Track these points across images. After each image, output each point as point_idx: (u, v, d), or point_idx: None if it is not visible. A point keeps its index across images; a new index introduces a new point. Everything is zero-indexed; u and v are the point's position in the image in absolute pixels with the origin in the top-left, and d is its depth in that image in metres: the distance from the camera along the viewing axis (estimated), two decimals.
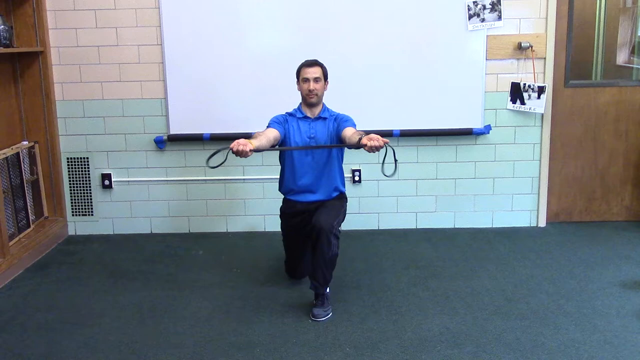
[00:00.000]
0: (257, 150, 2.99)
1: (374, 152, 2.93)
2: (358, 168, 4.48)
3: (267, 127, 3.34)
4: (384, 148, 2.93)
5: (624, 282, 3.57)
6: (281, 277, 3.68)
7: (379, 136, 2.89)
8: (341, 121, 3.34)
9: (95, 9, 4.27)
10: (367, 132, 3.02)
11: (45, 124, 4.34)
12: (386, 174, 3.09)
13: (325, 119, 3.40)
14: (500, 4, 4.23)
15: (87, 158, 4.49)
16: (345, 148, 3.45)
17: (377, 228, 4.60)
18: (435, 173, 4.52)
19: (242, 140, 2.89)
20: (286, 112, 3.46)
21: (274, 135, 3.26)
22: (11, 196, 3.99)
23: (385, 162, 3.01)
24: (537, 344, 2.87)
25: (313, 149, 3.36)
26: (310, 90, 3.33)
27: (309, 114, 3.40)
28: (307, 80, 3.33)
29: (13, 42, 4.06)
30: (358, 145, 2.96)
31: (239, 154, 2.88)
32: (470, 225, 4.59)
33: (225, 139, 4.28)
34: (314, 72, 3.34)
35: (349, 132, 3.19)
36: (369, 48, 4.28)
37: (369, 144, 2.87)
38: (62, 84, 4.38)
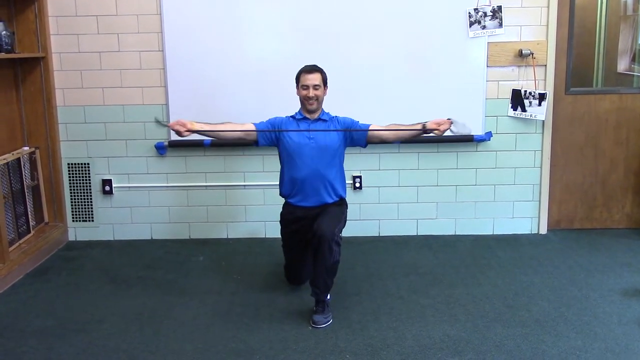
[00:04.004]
0: (198, 132, 3.34)
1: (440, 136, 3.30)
2: (359, 174, 4.48)
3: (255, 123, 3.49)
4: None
5: (625, 289, 3.56)
6: (281, 283, 3.67)
7: (442, 119, 3.26)
8: (353, 125, 3.45)
9: (97, 15, 4.28)
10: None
11: (46, 130, 4.35)
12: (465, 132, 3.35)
13: (325, 120, 3.42)
14: (501, 12, 4.24)
15: (88, 164, 4.49)
16: (345, 151, 3.50)
17: (377, 235, 4.59)
18: (436, 180, 4.51)
19: (181, 121, 3.28)
20: (288, 116, 3.47)
21: (246, 127, 3.46)
22: (12, 201, 3.99)
23: (458, 130, 3.29)
24: (538, 352, 2.86)
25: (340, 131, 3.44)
26: (309, 97, 3.34)
27: (308, 117, 3.42)
28: (306, 87, 3.34)
29: (15, 47, 4.06)
30: (423, 132, 3.31)
31: (177, 133, 3.28)
32: (471, 232, 4.58)
33: (226, 145, 4.32)
34: (313, 78, 3.34)
35: (379, 127, 3.45)
36: (369, 54, 4.28)
37: (441, 128, 3.24)
38: (63, 89, 4.38)
